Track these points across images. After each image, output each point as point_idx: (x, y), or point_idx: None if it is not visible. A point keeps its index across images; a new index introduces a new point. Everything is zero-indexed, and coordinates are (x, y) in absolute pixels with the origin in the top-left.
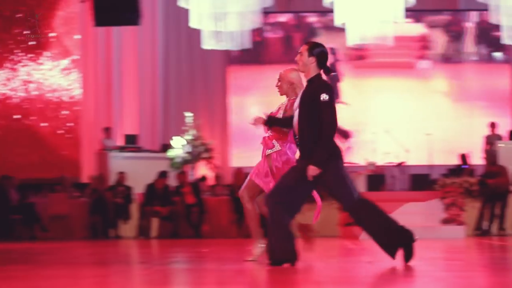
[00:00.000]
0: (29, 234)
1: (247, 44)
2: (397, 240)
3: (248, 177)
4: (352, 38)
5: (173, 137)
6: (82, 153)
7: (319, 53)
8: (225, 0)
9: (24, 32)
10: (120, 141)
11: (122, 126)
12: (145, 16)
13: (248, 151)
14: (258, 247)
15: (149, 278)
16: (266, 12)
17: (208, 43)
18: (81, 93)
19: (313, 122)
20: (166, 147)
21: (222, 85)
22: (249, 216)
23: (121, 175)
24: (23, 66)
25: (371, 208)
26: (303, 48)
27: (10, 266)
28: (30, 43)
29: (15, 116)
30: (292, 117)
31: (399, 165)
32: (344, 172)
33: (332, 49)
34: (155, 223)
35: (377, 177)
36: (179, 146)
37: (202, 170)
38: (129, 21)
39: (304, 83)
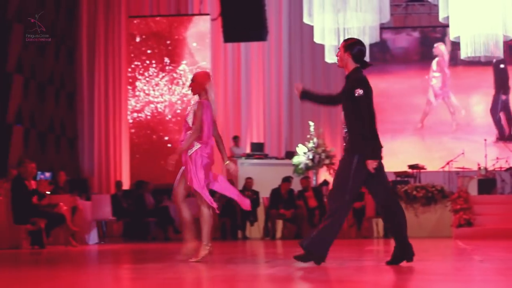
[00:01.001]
0: (163, 235)
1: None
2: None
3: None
4: (465, 51)
5: (299, 145)
6: None
7: (355, 50)
8: (347, 17)
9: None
10: (247, 149)
11: (249, 135)
12: (271, 31)
13: None
14: (188, 248)
15: (275, 276)
16: (384, 28)
17: (330, 57)
18: None
19: (355, 116)
20: (290, 154)
21: None
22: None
23: (249, 180)
24: (155, 79)
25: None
26: (341, 45)
27: (146, 265)
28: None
29: (149, 130)
30: (325, 95)
31: (509, 169)
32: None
33: None
34: (279, 225)
35: (489, 181)
36: (302, 153)
37: (324, 175)
38: (256, 37)
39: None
